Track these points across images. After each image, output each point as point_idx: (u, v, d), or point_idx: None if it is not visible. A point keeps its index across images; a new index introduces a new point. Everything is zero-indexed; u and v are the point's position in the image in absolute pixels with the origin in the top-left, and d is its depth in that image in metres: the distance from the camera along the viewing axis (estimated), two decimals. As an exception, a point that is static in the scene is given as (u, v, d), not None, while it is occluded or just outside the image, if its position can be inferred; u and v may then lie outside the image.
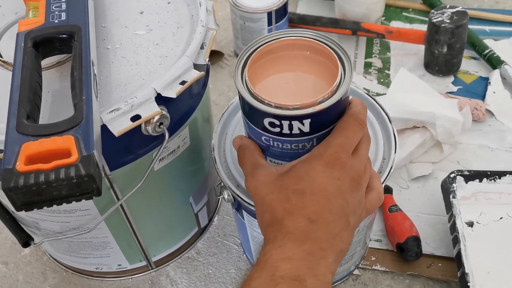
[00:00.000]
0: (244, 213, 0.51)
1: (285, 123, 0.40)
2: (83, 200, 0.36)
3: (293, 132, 0.41)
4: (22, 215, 0.52)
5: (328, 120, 0.41)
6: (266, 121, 0.41)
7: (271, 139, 0.42)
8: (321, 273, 0.37)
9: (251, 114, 0.42)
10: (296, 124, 0.40)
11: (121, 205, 0.51)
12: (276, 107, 0.40)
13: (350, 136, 0.40)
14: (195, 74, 0.45)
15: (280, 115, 0.39)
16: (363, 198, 0.42)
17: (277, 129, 0.41)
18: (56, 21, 0.44)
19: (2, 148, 0.36)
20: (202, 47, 0.47)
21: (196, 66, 0.46)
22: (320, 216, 0.38)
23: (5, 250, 0.66)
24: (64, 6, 0.45)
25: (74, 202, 0.36)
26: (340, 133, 0.41)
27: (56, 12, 0.44)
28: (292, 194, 0.39)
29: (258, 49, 0.43)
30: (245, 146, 0.44)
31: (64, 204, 0.36)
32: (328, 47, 0.42)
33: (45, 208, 0.36)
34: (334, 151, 0.40)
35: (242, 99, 0.41)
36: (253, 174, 0.42)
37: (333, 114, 0.41)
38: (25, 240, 0.55)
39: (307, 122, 0.40)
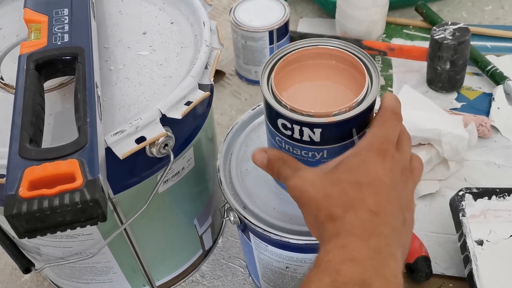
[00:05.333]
0: (251, 234, 0.50)
1: (296, 128, 0.40)
2: (88, 226, 0.35)
3: (303, 138, 0.41)
4: (23, 240, 0.50)
5: (341, 133, 0.41)
6: (280, 122, 0.41)
7: (283, 141, 0.42)
8: (391, 272, 0.34)
9: (269, 112, 0.42)
10: (306, 131, 0.40)
11: (124, 228, 0.49)
12: (290, 110, 0.40)
13: (391, 129, 0.39)
14: (200, 95, 0.44)
15: (292, 118, 0.40)
16: (412, 195, 0.40)
17: (289, 132, 0.41)
18: (59, 43, 0.43)
19: (4, 173, 0.35)
20: (206, 67, 0.47)
21: (201, 86, 0.45)
22: (381, 208, 0.36)
23: (5, 276, 0.64)
24: (66, 27, 0.45)
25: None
26: (381, 127, 0.39)
27: (59, 34, 0.44)
28: (348, 186, 0.37)
29: (284, 57, 0.43)
30: (278, 157, 0.42)
31: (67, 230, 0.35)
32: (355, 56, 0.43)
33: (48, 234, 0.35)
34: (382, 143, 0.38)
35: (264, 98, 0.42)
36: (296, 175, 0.39)
37: (348, 128, 0.41)
38: (26, 266, 0.53)
39: (318, 131, 0.40)
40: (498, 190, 0.60)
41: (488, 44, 0.85)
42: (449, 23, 0.75)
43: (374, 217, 0.36)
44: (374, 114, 0.43)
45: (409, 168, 0.40)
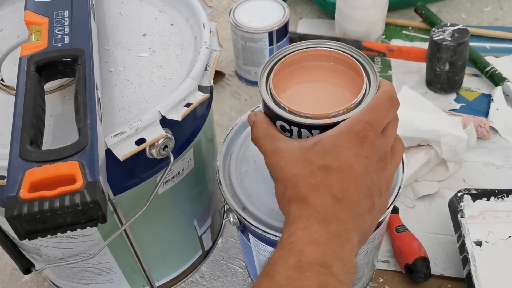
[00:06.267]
0: (250, 235, 0.50)
1: (295, 129, 0.40)
2: (88, 227, 0.35)
3: None
4: (23, 241, 0.50)
5: None
6: (278, 124, 0.41)
7: None
8: (347, 256, 0.36)
9: (267, 114, 0.42)
10: (305, 132, 0.40)
11: (124, 229, 0.50)
12: (289, 111, 0.40)
13: (382, 115, 0.39)
14: (200, 96, 0.44)
15: (290, 120, 0.40)
16: (389, 179, 0.41)
17: (287, 134, 0.41)
18: (59, 45, 0.43)
19: (5, 175, 0.35)
20: (206, 69, 0.47)
21: (201, 88, 0.45)
22: (346, 195, 0.37)
23: (5, 276, 0.65)
24: (67, 29, 0.45)
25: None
26: (372, 111, 0.39)
27: (59, 36, 0.44)
28: (318, 169, 0.38)
29: (283, 59, 0.43)
30: (260, 121, 0.42)
31: (68, 231, 0.35)
32: (353, 58, 0.43)
33: (48, 235, 0.35)
34: (364, 129, 0.38)
35: (262, 100, 0.42)
36: (273, 149, 0.40)
37: None
38: (26, 266, 0.54)
39: (316, 132, 0.40)
40: (496, 191, 0.61)
41: (487, 45, 0.85)
42: (448, 24, 0.75)
43: (337, 203, 0.37)
44: None
45: (391, 152, 0.40)
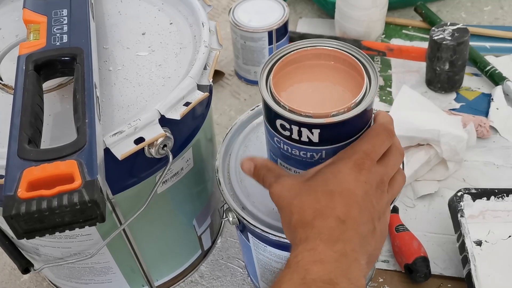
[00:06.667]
0: (250, 235, 0.50)
1: (295, 128, 0.40)
2: (86, 226, 0.35)
3: (301, 139, 0.41)
4: (22, 240, 0.50)
5: (340, 134, 0.41)
6: (278, 123, 0.41)
7: (281, 141, 0.42)
8: (354, 276, 0.37)
9: (267, 113, 0.42)
10: (305, 131, 0.40)
11: (123, 229, 0.49)
12: (289, 110, 0.40)
13: (377, 145, 0.41)
14: (199, 95, 0.44)
15: (290, 119, 0.40)
16: (386, 207, 0.42)
17: (287, 133, 0.41)
18: (58, 44, 0.43)
19: (3, 174, 0.35)
20: (205, 68, 0.47)
21: (200, 87, 0.45)
22: (349, 216, 0.38)
23: (4, 276, 0.64)
24: (65, 28, 0.45)
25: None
26: (368, 141, 0.41)
27: (58, 35, 0.44)
28: (321, 195, 0.39)
29: (283, 58, 0.43)
30: (263, 166, 0.44)
31: (66, 230, 0.35)
32: (353, 57, 0.43)
33: (46, 235, 0.35)
34: (360, 157, 0.40)
35: (262, 99, 0.42)
36: (277, 181, 0.42)
37: (347, 129, 0.41)
38: (25, 266, 0.53)
39: (316, 132, 0.40)
40: (496, 191, 0.60)
41: (487, 44, 0.85)
42: (448, 23, 0.75)
43: (341, 224, 0.38)
44: (373, 114, 0.43)
45: (391, 181, 0.42)
